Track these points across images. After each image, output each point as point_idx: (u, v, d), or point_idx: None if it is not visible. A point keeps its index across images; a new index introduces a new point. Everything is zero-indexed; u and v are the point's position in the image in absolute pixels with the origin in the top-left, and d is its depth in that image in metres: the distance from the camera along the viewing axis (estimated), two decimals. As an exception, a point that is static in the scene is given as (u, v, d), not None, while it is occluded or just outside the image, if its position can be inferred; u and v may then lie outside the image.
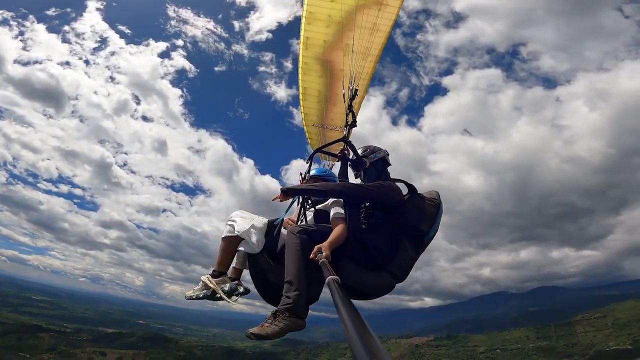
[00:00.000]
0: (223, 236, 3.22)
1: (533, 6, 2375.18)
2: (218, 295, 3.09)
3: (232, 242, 3.19)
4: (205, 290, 3.11)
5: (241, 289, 3.25)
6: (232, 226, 3.18)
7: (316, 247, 2.54)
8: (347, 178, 3.92)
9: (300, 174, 3.98)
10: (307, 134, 6.01)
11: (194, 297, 3.08)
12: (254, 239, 3.12)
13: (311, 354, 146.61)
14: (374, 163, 3.43)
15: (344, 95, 4.55)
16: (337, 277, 1.70)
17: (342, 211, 3.12)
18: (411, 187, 3.22)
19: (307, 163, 4.02)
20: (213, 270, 3.20)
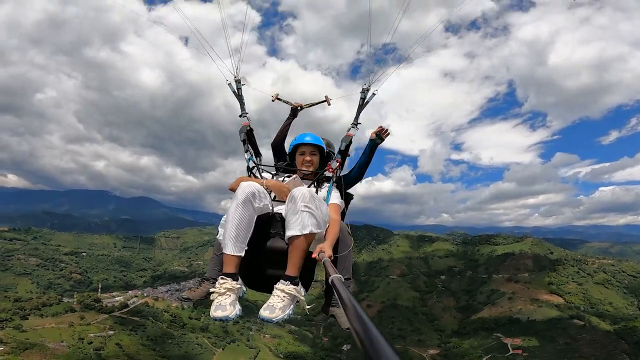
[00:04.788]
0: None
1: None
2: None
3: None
4: (238, 308, 2.60)
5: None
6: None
7: (318, 246, 2.55)
8: (287, 132, 4.35)
9: (337, 160, 3.56)
10: None
11: (231, 317, 2.52)
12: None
13: None
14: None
15: (362, 91, 3.81)
16: (340, 275, 1.71)
17: (341, 200, 3.29)
18: None
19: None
20: (232, 274, 2.62)
